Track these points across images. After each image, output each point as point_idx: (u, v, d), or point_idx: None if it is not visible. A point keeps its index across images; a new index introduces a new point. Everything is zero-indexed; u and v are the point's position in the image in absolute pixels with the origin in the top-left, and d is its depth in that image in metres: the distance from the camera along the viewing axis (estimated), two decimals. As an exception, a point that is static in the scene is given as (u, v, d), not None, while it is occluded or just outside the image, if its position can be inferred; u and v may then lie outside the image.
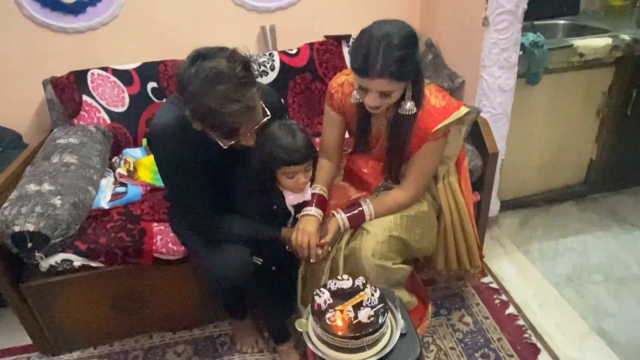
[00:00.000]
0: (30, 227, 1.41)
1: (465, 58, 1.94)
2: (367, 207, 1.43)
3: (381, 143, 1.45)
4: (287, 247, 1.43)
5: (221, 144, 1.19)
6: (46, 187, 1.54)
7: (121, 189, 1.78)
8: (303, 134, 1.33)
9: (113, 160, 1.95)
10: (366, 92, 1.25)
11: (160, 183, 1.85)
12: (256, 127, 1.19)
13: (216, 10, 2.14)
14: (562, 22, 2.41)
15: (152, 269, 1.60)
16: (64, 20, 2.00)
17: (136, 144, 2.06)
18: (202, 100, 1.07)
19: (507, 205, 2.31)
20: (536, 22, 2.24)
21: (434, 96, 1.34)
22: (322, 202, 1.46)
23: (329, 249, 1.43)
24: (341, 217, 1.43)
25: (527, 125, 2.13)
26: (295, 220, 1.47)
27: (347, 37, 2.25)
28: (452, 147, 1.48)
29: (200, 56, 1.10)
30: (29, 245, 1.42)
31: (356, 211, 1.43)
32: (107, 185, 1.79)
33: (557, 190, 2.38)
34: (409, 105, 1.31)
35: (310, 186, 1.47)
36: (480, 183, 1.82)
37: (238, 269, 1.36)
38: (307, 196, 1.45)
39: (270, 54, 2.16)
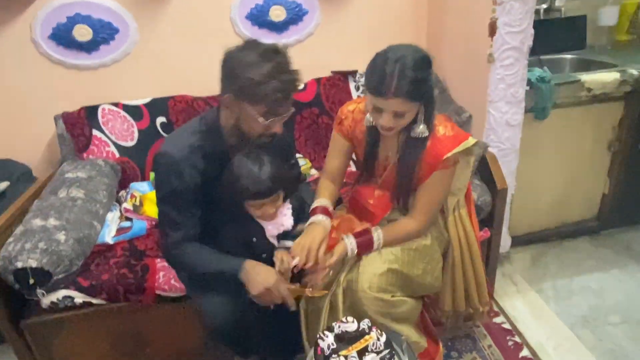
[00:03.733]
0: (33, 264, 1.40)
1: (472, 93, 1.93)
2: (377, 235, 1.41)
3: (389, 170, 1.44)
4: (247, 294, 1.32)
5: (256, 128, 1.25)
6: (51, 222, 1.53)
7: (126, 224, 1.77)
8: (271, 165, 1.28)
9: (120, 194, 1.95)
10: (380, 113, 1.28)
11: (165, 218, 1.84)
12: (286, 115, 1.26)
13: (224, 48, 2.17)
14: (569, 56, 2.41)
15: (154, 307, 1.57)
16: (78, 58, 2.05)
17: (144, 178, 2.06)
18: (256, 70, 1.16)
19: (519, 241, 2.25)
20: (543, 57, 2.24)
21: (442, 126, 1.37)
22: (327, 213, 1.44)
23: (330, 273, 1.38)
24: (350, 242, 1.39)
25: (537, 160, 2.09)
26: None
27: (353, 73, 2.28)
28: (461, 178, 1.47)
29: (249, 42, 1.22)
30: (31, 281, 1.41)
31: (366, 237, 1.41)
32: (112, 219, 1.78)
33: (570, 225, 2.32)
34: (421, 128, 1.32)
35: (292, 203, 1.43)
36: (490, 219, 1.78)
37: (228, 308, 1.32)
38: (288, 223, 1.40)
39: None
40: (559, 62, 2.39)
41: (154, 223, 1.83)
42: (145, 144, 2.07)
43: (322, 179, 1.55)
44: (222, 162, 1.31)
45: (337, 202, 1.70)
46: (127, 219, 1.81)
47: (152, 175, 2.04)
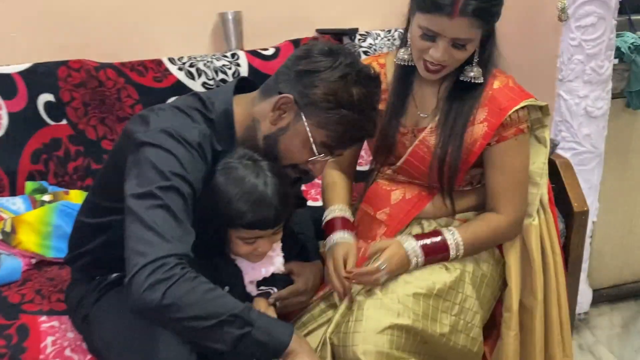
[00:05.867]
0: None
1: (534, 66, 2.07)
2: (452, 235, 1.56)
3: (420, 141, 1.60)
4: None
5: (293, 154, 1.41)
6: None
7: (-9, 261, 1.78)
8: (276, 178, 1.37)
9: (-26, 215, 1.96)
10: (433, 41, 1.46)
11: (52, 253, 1.87)
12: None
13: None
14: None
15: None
16: None
17: (14, 191, 2.08)
18: (353, 88, 1.35)
19: (603, 297, 2.36)
20: (636, 17, 2.39)
21: (499, 80, 1.59)
22: (349, 226, 1.61)
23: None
24: (411, 246, 1.52)
25: (630, 171, 2.22)
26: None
27: (352, 33, 2.39)
28: (536, 161, 1.65)
29: (341, 49, 1.41)
30: None
31: (437, 239, 1.55)
32: (-33, 254, 1.78)
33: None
34: (475, 71, 1.53)
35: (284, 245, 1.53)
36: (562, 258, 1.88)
37: None
38: (278, 264, 1.49)
39: (233, 55, 2.26)
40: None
41: (33, 261, 1.85)
42: (19, 138, 2.09)
43: (330, 174, 1.70)
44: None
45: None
46: (-8, 253, 1.82)
47: (28, 185, 2.06)
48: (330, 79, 1.34)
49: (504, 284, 1.68)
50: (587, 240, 2.09)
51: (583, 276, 2.14)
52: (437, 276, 1.54)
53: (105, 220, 1.49)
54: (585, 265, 2.14)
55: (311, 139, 1.37)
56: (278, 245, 1.49)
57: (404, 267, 1.52)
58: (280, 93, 1.38)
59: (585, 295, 2.23)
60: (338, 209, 1.64)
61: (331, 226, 1.61)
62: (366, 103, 1.37)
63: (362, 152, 1.93)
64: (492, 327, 1.71)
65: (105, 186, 1.52)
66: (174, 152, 1.33)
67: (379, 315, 1.45)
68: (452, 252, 1.54)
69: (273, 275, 1.49)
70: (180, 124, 1.38)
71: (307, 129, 1.36)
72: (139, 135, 1.36)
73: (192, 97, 1.49)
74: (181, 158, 1.33)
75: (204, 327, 1.25)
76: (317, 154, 1.39)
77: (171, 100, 1.55)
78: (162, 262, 1.22)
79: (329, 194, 1.69)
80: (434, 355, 1.52)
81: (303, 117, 1.36)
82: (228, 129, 1.44)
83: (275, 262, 1.49)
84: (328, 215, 1.64)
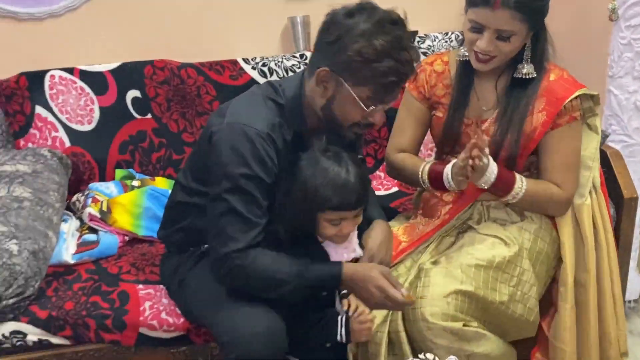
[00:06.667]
0: (-23, 280, 1.59)
1: (586, 63, 2.18)
2: (521, 180, 1.70)
3: (484, 131, 1.73)
4: (340, 300, 1.59)
5: (350, 114, 1.51)
6: (-5, 226, 1.74)
7: (91, 237, 1.99)
8: (357, 167, 1.54)
9: (74, 198, 2.16)
10: (480, 33, 1.61)
11: (143, 232, 2.07)
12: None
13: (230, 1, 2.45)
14: None
15: (137, 351, 1.76)
16: (18, 3, 2.30)
17: (104, 178, 2.29)
18: (372, 41, 1.41)
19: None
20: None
21: (554, 73, 1.74)
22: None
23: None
24: (493, 166, 1.64)
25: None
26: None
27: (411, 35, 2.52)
28: (589, 146, 1.78)
29: (362, 6, 1.47)
30: (-27, 305, 1.60)
31: (511, 175, 1.69)
32: (69, 231, 1.98)
33: None
34: (527, 68, 1.69)
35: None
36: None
37: (266, 342, 1.49)
38: (358, 250, 1.64)
39: (301, 55, 2.43)
40: None
41: (127, 238, 2.04)
42: (108, 129, 2.31)
43: (398, 156, 1.85)
44: (298, 148, 1.56)
45: (391, 215, 1.96)
46: (92, 230, 2.02)
47: (118, 173, 2.26)
48: (352, 40, 1.42)
49: (558, 264, 1.80)
50: (637, 230, 2.17)
51: (633, 264, 2.23)
52: (497, 250, 1.67)
53: (196, 201, 1.68)
54: (635, 254, 2.22)
55: (357, 99, 1.47)
56: (355, 233, 1.63)
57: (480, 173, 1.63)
58: (318, 68, 1.49)
59: (634, 282, 2.30)
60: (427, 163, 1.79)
61: (434, 172, 1.74)
62: (394, 49, 1.42)
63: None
64: (548, 305, 1.82)
65: (193, 170, 1.71)
66: (241, 150, 1.50)
67: (444, 282, 1.60)
68: (514, 192, 1.67)
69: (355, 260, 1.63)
70: (251, 116, 1.54)
71: (351, 90, 1.47)
72: (214, 129, 1.56)
73: (266, 85, 1.65)
74: (248, 155, 1.50)
75: (269, 292, 1.54)
76: (367, 109, 1.48)
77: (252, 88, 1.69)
78: (226, 258, 1.52)
79: (409, 162, 1.83)
80: (493, 323, 1.65)
81: (343, 82, 1.47)
82: (298, 111, 1.58)
83: (356, 248, 1.62)
84: (425, 169, 1.77)
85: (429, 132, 1.91)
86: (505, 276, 1.66)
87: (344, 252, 1.62)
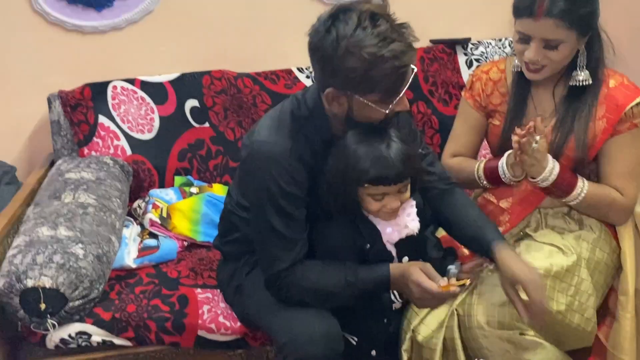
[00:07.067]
0: (47, 283, 1.68)
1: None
2: (582, 183, 1.69)
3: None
4: (394, 298, 1.62)
5: (374, 117, 1.48)
6: (63, 232, 1.82)
7: (151, 242, 2.06)
8: (401, 143, 1.51)
9: (135, 204, 2.24)
10: (527, 43, 1.62)
11: (201, 237, 2.13)
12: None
13: (282, 6, 2.50)
14: None
15: (192, 355, 1.82)
16: (83, 17, 2.41)
17: (163, 184, 2.36)
18: (358, 53, 1.37)
19: None
20: None
21: (614, 79, 1.72)
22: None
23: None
24: (553, 164, 1.64)
25: None
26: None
27: (464, 42, 2.55)
28: None
29: (335, 15, 1.41)
30: (42, 307, 1.67)
31: (574, 176, 1.68)
32: (131, 237, 2.06)
33: None
34: (583, 75, 1.67)
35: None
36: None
37: (323, 345, 1.52)
38: (413, 225, 1.61)
39: (354, 64, 2.47)
40: None
41: (186, 243, 2.10)
42: (168, 138, 2.39)
43: (453, 160, 1.85)
44: (328, 154, 1.57)
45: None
46: (152, 236, 2.09)
47: (178, 180, 2.33)
48: (342, 59, 1.38)
49: (617, 273, 1.77)
50: None
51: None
52: (555, 259, 1.66)
53: (245, 215, 1.71)
54: None
55: (371, 104, 1.44)
56: (413, 209, 1.61)
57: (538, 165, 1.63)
58: (324, 89, 1.47)
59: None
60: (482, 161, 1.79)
61: (490, 166, 1.74)
62: (383, 48, 1.36)
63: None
64: (606, 315, 1.80)
65: (240, 186, 1.75)
66: (269, 170, 1.53)
67: (500, 290, 1.58)
68: (575, 193, 1.66)
69: (412, 239, 1.61)
70: (275, 134, 1.55)
71: (362, 100, 1.44)
72: (244, 149, 1.61)
73: (291, 98, 1.64)
74: (276, 174, 1.52)
75: (323, 304, 1.59)
76: (387, 108, 1.45)
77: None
78: (275, 278, 1.58)
79: (464, 164, 1.83)
80: (550, 332, 1.64)
81: (352, 95, 1.44)
82: (321, 121, 1.56)
83: (409, 224, 1.60)
84: (480, 166, 1.77)
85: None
86: (563, 285, 1.64)
87: (394, 229, 1.60)
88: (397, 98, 1.46)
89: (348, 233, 1.61)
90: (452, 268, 1.57)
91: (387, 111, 1.46)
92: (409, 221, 1.60)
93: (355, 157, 1.50)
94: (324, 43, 1.41)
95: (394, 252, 1.63)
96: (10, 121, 2.46)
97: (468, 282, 1.57)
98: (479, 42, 2.56)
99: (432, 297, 1.51)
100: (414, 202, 1.62)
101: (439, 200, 1.70)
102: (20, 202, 2.07)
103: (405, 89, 1.46)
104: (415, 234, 1.61)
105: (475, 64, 2.52)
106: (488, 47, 2.56)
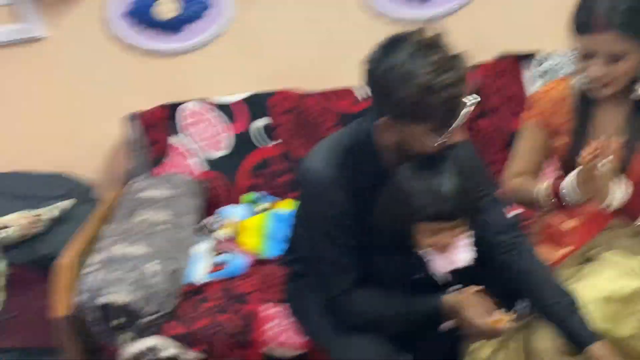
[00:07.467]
0: (122, 299, 1.77)
1: None
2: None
3: None
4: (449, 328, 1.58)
5: (427, 147, 1.46)
6: (136, 249, 1.93)
7: (222, 258, 2.14)
8: (457, 178, 1.46)
9: (206, 220, 2.33)
10: (590, 59, 1.57)
11: (269, 253, 2.18)
12: (467, 110, 1.44)
13: (347, 25, 2.54)
14: None
15: (261, 368, 1.87)
16: (157, 40, 2.53)
17: (236, 200, 2.44)
18: (410, 82, 1.35)
19: None
20: None
21: None
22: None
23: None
24: (620, 188, 1.58)
25: None
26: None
27: (529, 57, 2.52)
28: None
29: (391, 43, 1.42)
30: (117, 322, 1.76)
31: None
32: (202, 253, 2.14)
33: None
34: None
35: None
36: None
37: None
38: (464, 259, 1.57)
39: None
40: None
41: (254, 259, 2.17)
42: (239, 156, 2.48)
43: (512, 179, 1.80)
44: (379, 184, 1.57)
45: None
46: (222, 251, 2.17)
47: (247, 196, 2.41)
48: (394, 87, 1.36)
49: None
50: None
51: None
52: (624, 281, 1.60)
53: None
54: None
55: (422, 135, 1.42)
56: (466, 240, 1.57)
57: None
58: (377, 118, 1.46)
59: None
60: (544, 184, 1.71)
61: (553, 190, 1.67)
62: (436, 78, 1.35)
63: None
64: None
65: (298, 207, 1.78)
66: (317, 197, 1.56)
67: (549, 344, 1.54)
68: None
69: (466, 269, 1.58)
70: (324, 162, 1.56)
71: (415, 130, 1.41)
72: (298, 176, 1.66)
73: (346, 128, 1.66)
74: (323, 201, 1.54)
75: (376, 330, 1.61)
76: (438, 138, 1.42)
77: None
78: (330, 303, 1.63)
79: (525, 186, 1.76)
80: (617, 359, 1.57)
81: (405, 124, 1.42)
82: (372, 150, 1.55)
83: (460, 258, 1.56)
84: (544, 189, 1.69)
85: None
86: (632, 309, 1.58)
87: (444, 262, 1.57)
88: (450, 130, 1.44)
89: (400, 265, 1.60)
90: (521, 306, 1.55)
91: (438, 142, 1.44)
92: (462, 253, 1.57)
93: (409, 193, 1.48)
94: (377, 71, 1.41)
95: (448, 279, 1.61)
96: (90, 141, 2.60)
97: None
98: (547, 55, 2.52)
99: (483, 332, 1.50)
100: (471, 232, 1.59)
101: (500, 257, 1.64)
102: (98, 220, 2.19)
103: (459, 121, 1.44)
104: (463, 266, 1.59)
105: (543, 77, 2.49)
106: (556, 59, 2.50)
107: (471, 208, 1.52)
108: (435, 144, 1.44)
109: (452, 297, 1.55)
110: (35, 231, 2.14)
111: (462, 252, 1.58)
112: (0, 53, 2.49)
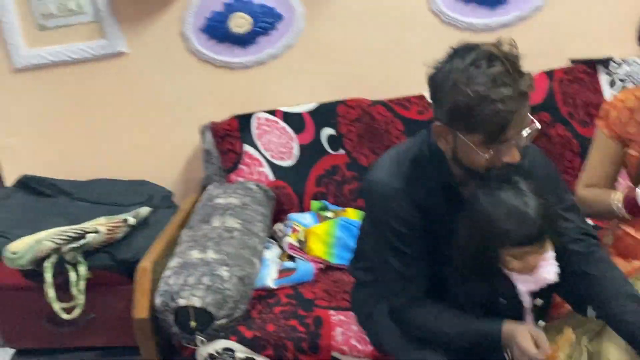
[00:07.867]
0: (197, 302, 1.86)
1: None
2: None
3: None
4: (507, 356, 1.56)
5: (476, 161, 1.45)
6: (211, 255, 2.02)
7: (290, 264, 2.20)
8: (536, 199, 1.44)
9: (275, 227, 2.40)
10: None
11: (336, 260, 2.24)
12: (524, 134, 1.43)
13: (415, 32, 2.56)
14: None
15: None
16: (230, 54, 2.62)
17: (302, 208, 2.51)
18: (465, 89, 1.36)
19: None
20: None
21: None
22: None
23: None
24: None
25: None
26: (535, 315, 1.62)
27: (606, 62, 2.46)
28: None
29: (457, 51, 1.43)
30: (193, 324, 1.86)
31: None
32: (272, 258, 2.21)
33: None
34: None
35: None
36: None
37: None
38: (551, 275, 1.54)
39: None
40: None
41: (321, 266, 2.23)
42: (306, 165, 2.54)
43: (582, 190, 1.80)
44: (449, 198, 1.58)
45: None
46: (291, 258, 2.23)
47: (314, 204, 2.47)
48: (449, 90, 1.37)
49: None
50: None
51: None
52: None
53: None
54: None
55: (473, 146, 1.41)
56: (550, 256, 1.55)
57: None
58: (434, 122, 1.48)
59: None
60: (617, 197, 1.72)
61: (628, 201, 1.68)
62: (492, 89, 1.34)
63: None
64: None
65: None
66: (385, 208, 1.57)
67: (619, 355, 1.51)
68: None
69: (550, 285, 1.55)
70: (388, 173, 1.58)
71: (465, 139, 1.41)
72: (362, 187, 1.69)
73: (413, 139, 1.65)
74: (387, 212, 1.56)
75: (434, 343, 1.62)
76: (487, 153, 1.41)
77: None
78: (393, 311, 1.67)
79: (598, 196, 1.76)
80: None
81: (457, 132, 1.43)
82: (441, 163, 1.55)
83: (548, 275, 1.53)
84: (618, 199, 1.70)
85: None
86: None
87: (531, 283, 1.55)
88: (501, 145, 1.42)
89: (480, 289, 1.58)
90: (593, 313, 1.52)
91: (487, 156, 1.42)
92: (547, 270, 1.54)
93: (492, 218, 1.46)
94: (438, 75, 1.43)
95: (527, 303, 1.59)
96: (168, 150, 2.74)
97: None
98: (623, 60, 2.45)
99: None
100: (551, 250, 1.55)
101: (576, 265, 1.61)
102: (176, 225, 2.30)
103: (520, 142, 1.43)
104: (552, 281, 1.55)
105: (618, 84, 2.42)
106: (632, 65, 2.43)
107: (555, 225, 1.51)
108: (485, 159, 1.43)
109: (513, 325, 1.53)
110: (119, 236, 2.26)
111: (547, 269, 1.54)
112: (86, 67, 2.65)
